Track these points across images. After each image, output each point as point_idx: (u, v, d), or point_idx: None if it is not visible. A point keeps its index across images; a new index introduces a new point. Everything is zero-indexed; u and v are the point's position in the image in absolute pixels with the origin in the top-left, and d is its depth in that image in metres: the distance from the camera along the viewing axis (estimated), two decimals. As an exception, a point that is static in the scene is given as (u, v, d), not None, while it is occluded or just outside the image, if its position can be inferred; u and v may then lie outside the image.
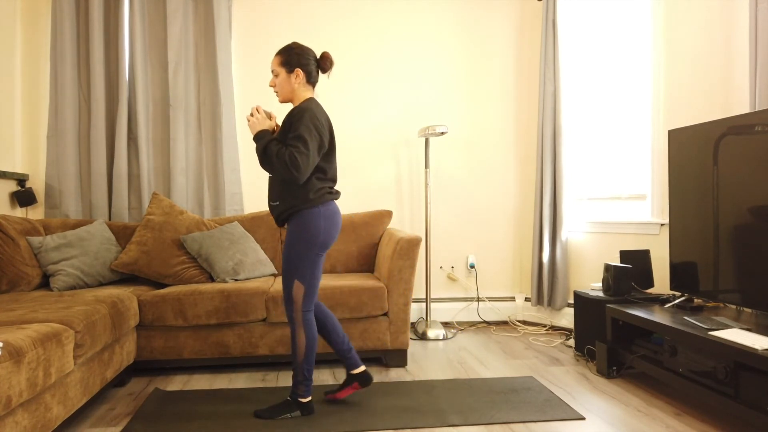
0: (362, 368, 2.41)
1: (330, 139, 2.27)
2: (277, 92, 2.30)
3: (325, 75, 2.50)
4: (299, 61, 2.25)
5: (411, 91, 4.02)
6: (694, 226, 2.62)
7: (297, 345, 2.22)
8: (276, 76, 2.28)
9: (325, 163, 2.25)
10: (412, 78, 4.02)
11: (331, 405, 2.39)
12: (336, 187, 3.92)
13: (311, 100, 2.26)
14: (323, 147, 2.22)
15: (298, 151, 2.10)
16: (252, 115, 2.25)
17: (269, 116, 2.30)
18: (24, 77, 3.62)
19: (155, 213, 3.24)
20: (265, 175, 3.88)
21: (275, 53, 2.35)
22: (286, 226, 2.87)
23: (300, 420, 2.22)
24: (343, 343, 2.39)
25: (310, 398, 2.28)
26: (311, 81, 2.30)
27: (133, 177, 3.67)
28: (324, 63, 2.30)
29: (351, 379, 2.41)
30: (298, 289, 2.21)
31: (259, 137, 2.21)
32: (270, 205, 2.30)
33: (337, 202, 3.94)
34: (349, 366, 2.40)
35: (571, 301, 3.75)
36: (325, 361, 3.10)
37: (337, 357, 2.40)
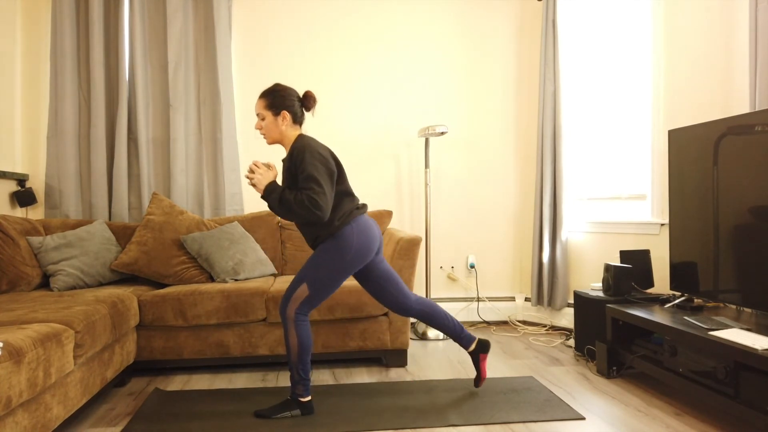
0: (476, 341, 2.50)
1: (337, 164, 2.28)
2: (263, 135, 2.32)
3: (310, 113, 2.52)
4: (284, 103, 2.27)
5: (411, 91, 4.02)
6: (694, 226, 2.62)
7: (290, 344, 2.24)
8: (262, 119, 2.29)
9: (339, 185, 2.27)
10: (412, 78, 4.02)
11: (330, 405, 2.38)
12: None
13: (302, 136, 2.27)
14: (334, 175, 2.22)
15: (314, 192, 2.11)
16: (252, 172, 2.24)
17: (269, 167, 2.29)
18: (24, 77, 3.62)
19: (155, 213, 3.24)
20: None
21: (259, 96, 2.36)
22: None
23: (300, 419, 2.23)
24: (454, 329, 2.48)
25: (309, 398, 2.28)
26: (297, 121, 2.32)
27: (133, 177, 3.67)
28: (308, 102, 2.33)
29: (474, 355, 2.50)
30: (302, 291, 2.22)
31: (269, 191, 2.21)
32: (311, 246, 2.34)
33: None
34: (465, 345, 2.49)
35: (571, 301, 3.75)
36: (325, 362, 3.10)
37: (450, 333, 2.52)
